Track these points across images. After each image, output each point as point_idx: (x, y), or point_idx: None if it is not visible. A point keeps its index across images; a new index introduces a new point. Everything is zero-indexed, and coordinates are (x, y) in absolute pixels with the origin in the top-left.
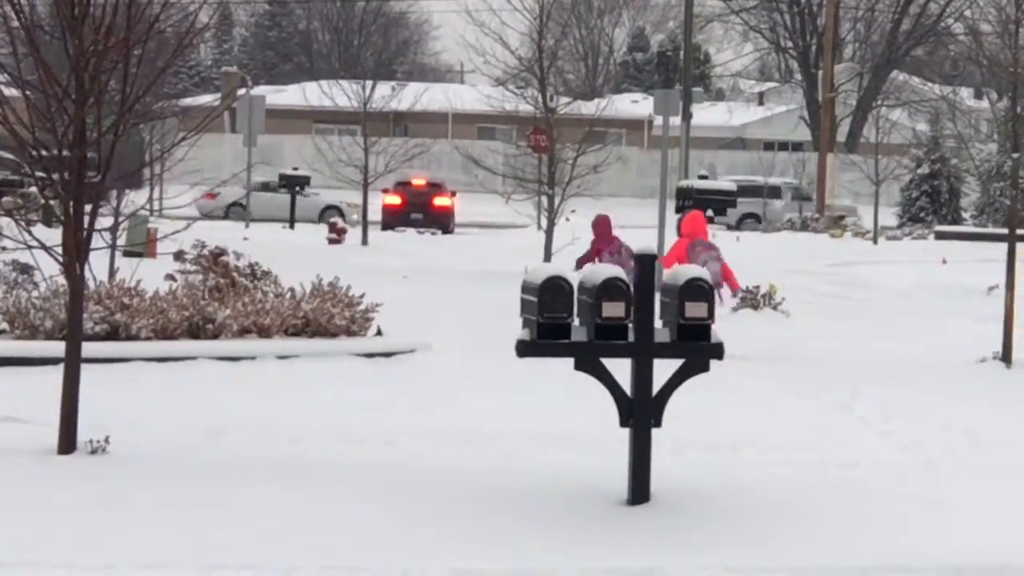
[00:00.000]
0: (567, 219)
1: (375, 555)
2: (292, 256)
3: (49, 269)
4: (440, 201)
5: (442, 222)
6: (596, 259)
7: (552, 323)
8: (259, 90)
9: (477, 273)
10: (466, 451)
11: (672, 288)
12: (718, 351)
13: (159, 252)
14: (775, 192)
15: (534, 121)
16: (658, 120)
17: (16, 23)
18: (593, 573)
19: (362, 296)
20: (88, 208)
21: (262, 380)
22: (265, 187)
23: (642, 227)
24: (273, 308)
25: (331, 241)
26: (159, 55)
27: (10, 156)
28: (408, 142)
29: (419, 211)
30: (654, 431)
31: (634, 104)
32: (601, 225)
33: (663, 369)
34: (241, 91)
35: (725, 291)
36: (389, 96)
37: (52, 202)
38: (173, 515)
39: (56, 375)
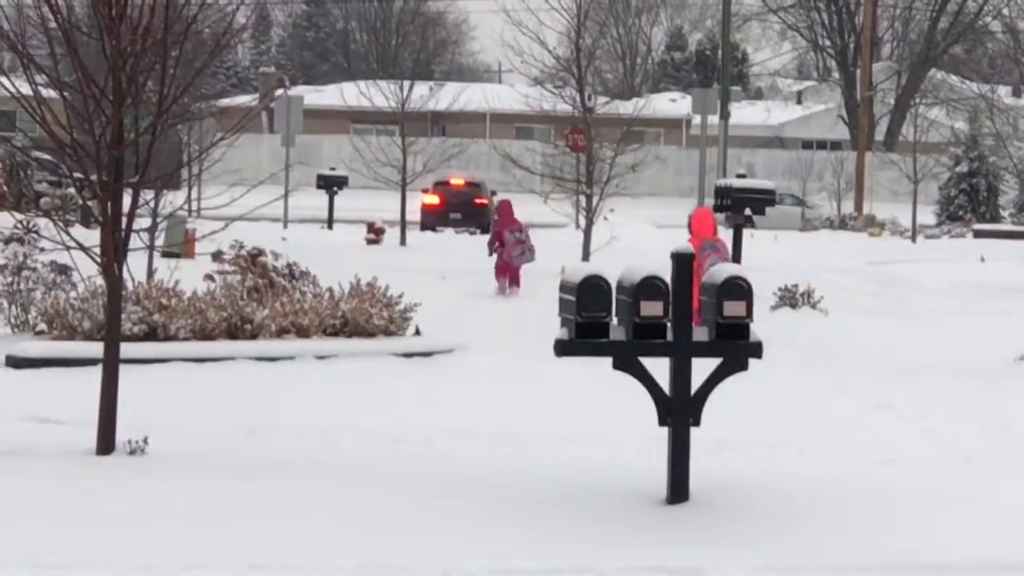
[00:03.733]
0: (605, 218)
1: (414, 554)
2: (330, 256)
3: (87, 270)
4: (479, 201)
5: (481, 221)
6: (499, 241)
7: (590, 322)
8: (297, 90)
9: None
10: (504, 450)
11: (711, 287)
12: (757, 350)
13: (197, 252)
14: None
15: (572, 121)
16: (696, 119)
17: (54, 24)
18: (633, 572)
19: (400, 296)
20: (126, 209)
21: (301, 380)
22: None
23: (679, 227)
24: (311, 308)
25: (369, 241)
26: (196, 55)
27: (49, 157)
28: (446, 142)
29: (458, 211)
30: (693, 430)
31: (672, 103)
32: (504, 209)
33: (702, 368)
34: (279, 91)
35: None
36: (427, 96)
37: (90, 203)
38: (212, 515)
39: (95, 376)
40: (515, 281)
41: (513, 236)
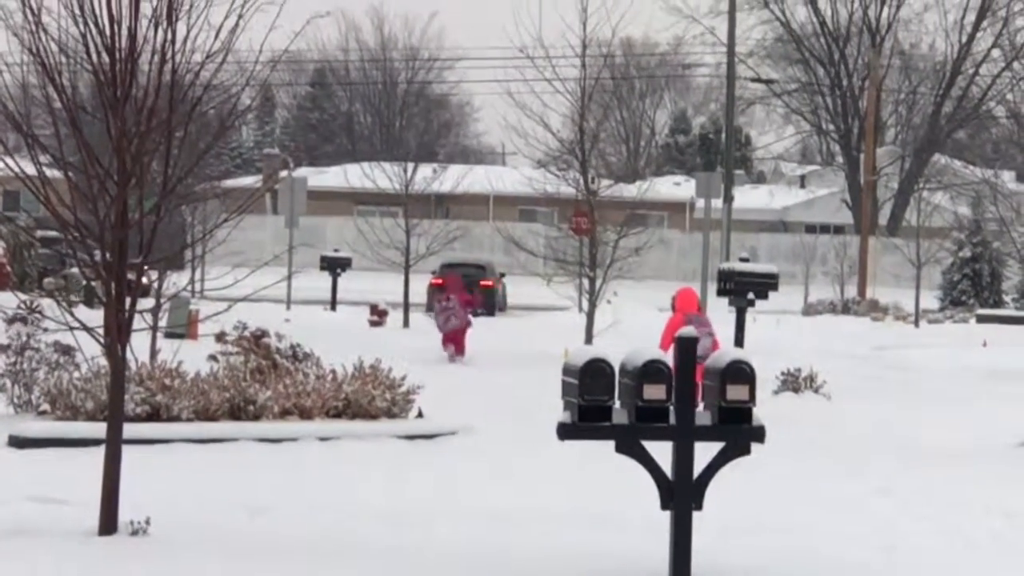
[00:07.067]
0: (608, 301)
1: None
2: (333, 338)
3: (91, 350)
4: (484, 283)
5: (487, 304)
6: (440, 300)
7: (593, 405)
8: (301, 172)
9: (518, 355)
10: (507, 533)
11: (713, 371)
12: (760, 434)
13: (200, 333)
14: None
15: (575, 203)
16: (700, 203)
17: (58, 104)
18: None
19: (403, 378)
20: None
21: (303, 462)
22: None
23: None
24: (314, 390)
25: (372, 323)
26: (201, 137)
27: (54, 234)
28: (450, 224)
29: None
30: (695, 513)
31: (676, 186)
32: (450, 282)
33: (704, 452)
34: (283, 173)
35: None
36: (431, 178)
37: (93, 283)
38: None
39: (97, 456)
40: (460, 350)
41: (440, 305)
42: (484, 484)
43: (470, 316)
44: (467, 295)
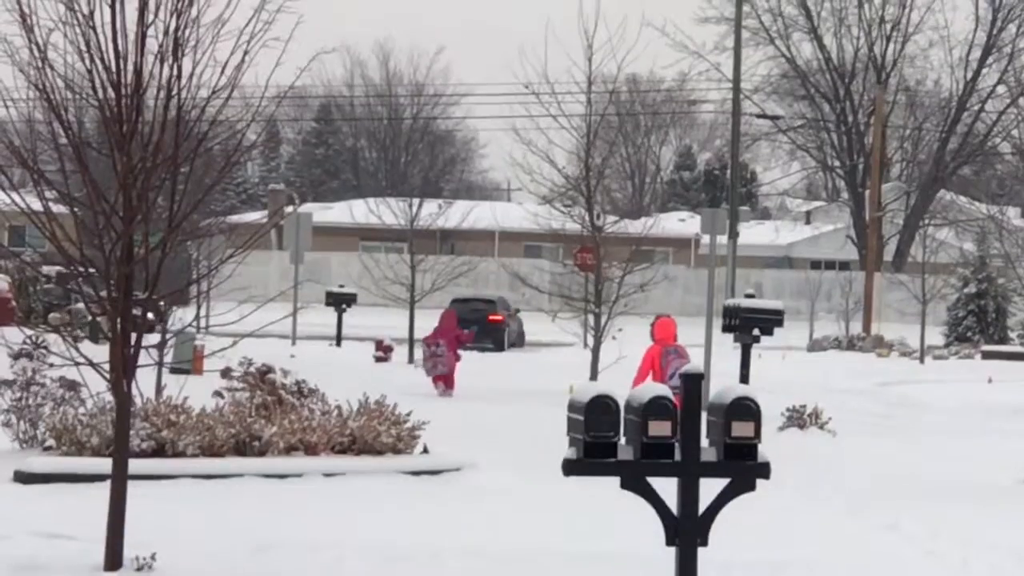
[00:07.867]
0: (614, 337)
1: None
2: (339, 373)
3: (96, 386)
4: (493, 318)
5: (495, 339)
6: (429, 345)
7: (598, 442)
8: (306, 207)
9: (524, 391)
10: (512, 570)
11: (718, 407)
12: (765, 471)
13: (206, 369)
14: None
15: (581, 239)
16: (705, 239)
17: (64, 140)
18: None
19: (409, 414)
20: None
21: (308, 498)
22: None
23: (689, 346)
24: (320, 426)
25: (378, 359)
26: (207, 172)
27: (60, 268)
28: (455, 260)
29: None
30: (700, 550)
31: (681, 223)
32: (445, 319)
33: (710, 488)
34: (288, 208)
35: None
36: (436, 214)
37: (99, 319)
38: None
39: (103, 491)
40: (449, 384)
41: (428, 350)
42: (489, 520)
43: (457, 361)
44: (459, 332)
